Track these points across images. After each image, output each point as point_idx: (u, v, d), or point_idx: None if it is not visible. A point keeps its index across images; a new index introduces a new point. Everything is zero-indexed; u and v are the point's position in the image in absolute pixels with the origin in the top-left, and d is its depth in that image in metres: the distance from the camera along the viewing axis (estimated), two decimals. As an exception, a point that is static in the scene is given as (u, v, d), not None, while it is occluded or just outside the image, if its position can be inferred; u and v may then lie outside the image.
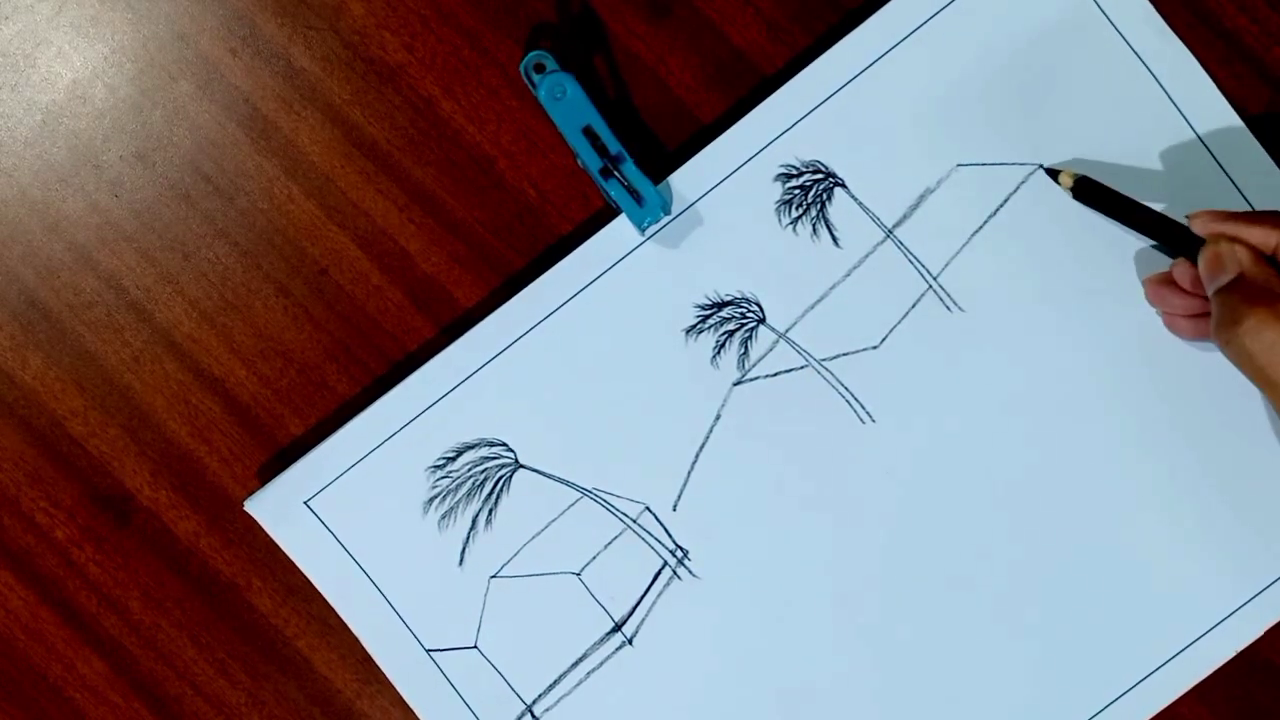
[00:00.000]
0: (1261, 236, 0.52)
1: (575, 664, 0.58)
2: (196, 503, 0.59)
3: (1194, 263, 0.54)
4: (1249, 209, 0.57)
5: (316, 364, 0.59)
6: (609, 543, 0.58)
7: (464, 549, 0.58)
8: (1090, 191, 0.56)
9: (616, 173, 0.55)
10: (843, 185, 0.58)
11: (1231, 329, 0.50)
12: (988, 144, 0.57)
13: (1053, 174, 0.57)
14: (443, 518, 0.58)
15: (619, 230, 0.57)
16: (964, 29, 0.57)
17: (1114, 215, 0.56)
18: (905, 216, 0.58)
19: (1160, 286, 0.56)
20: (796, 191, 0.58)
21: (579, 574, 0.58)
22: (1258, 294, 0.50)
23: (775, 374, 0.58)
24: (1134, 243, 0.57)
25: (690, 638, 0.58)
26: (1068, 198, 0.57)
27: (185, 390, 0.59)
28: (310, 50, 0.58)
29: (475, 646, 0.58)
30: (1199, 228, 0.53)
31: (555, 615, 0.58)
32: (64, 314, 0.58)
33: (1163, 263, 0.57)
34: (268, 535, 0.57)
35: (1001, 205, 0.57)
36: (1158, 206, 0.57)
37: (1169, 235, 0.55)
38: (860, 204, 0.58)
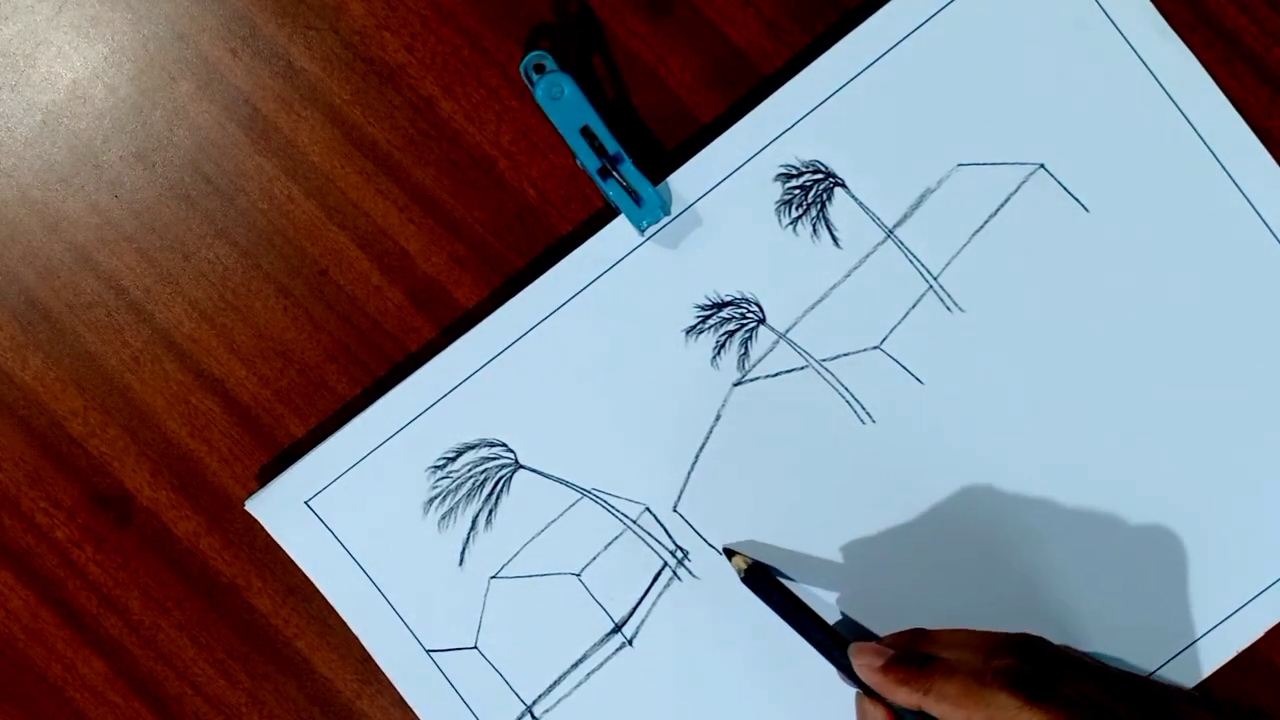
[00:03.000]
0: (906, 696, 0.52)
1: (575, 664, 0.58)
2: (197, 503, 0.59)
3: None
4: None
5: (316, 364, 0.59)
6: (609, 543, 0.58)
7: (464, 549, 0.58)
8: (760, 581, 0.56)
9: (615, 173, 0.55)
10: (843, 185, 0.58)
11: None
12: (988, 144, 0.57)
13: (729, 554, 0.57)
14: (443, 518, 0.58)
15: (619, 230, 0.57)
16: (964, 28, 0.57)
17: (781, 613, 0.56)
18: (906, 216, 0.58)
19: (862, 700, 0.56)
20: (796, 191, 0.58)
21: (579, 574, 0.58)
22: None
23: (775, 374, 0.58)
24: (1135, 243, 0.57)
25: (690, 638, 0.58)
26: (1068, 198, 0.57)
27: (185, 390, 0.59)
28: (310, 50, 0.58)
29: (475, 647, 0.58)
30: (859, 670, 0.54)
31: (555, 616, 0.58)
32: (64, 314, 0.58)
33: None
34: (268, 535, 0.57)
35: (1002, 205, 0.57)
36: (1158, 205, 0.57)
37: (834, 655, 0.55)
38: (860, 204, 0.58)
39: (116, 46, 0.58)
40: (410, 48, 0.58)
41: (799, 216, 0.58)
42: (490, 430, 0.58)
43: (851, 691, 0.56)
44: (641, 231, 0.56)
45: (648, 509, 0.58)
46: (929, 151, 0.58)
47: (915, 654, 0.53)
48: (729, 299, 0.58)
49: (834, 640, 0.55)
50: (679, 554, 0.58)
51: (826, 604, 0.57)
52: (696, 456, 0.58)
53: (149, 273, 0.58)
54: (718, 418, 0.58)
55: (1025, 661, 0.50)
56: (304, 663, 0.59)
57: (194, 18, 0.58)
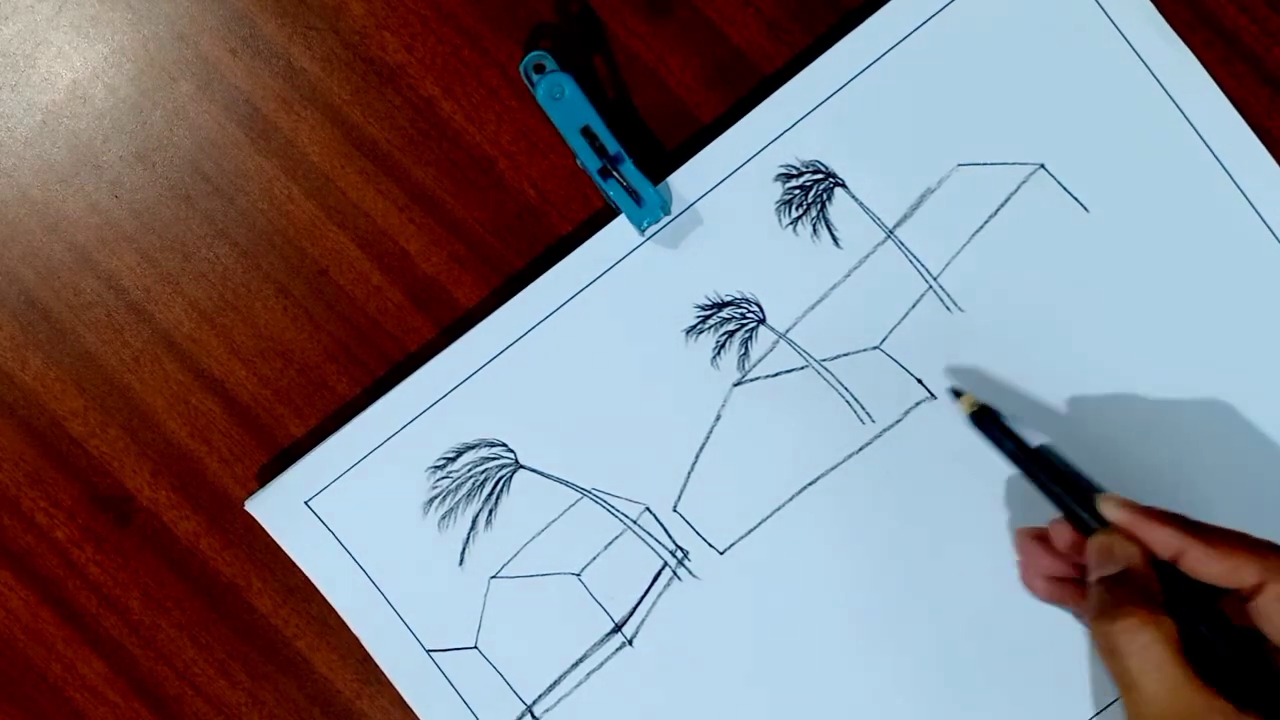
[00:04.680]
0: (1164, 540, 0.49)
1: (575, 664, 0.58)
2: (196, 503, 0.59)
3: (1079, 531, 0.52)
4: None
5: (316, 364, 0.59)
6: (609, 543, 0.58)
7: (464, 549, 0.58)
8: (989, 423, 0.53)
9: (615, 173, 0.55)
10: (843, 185, 0.58)
11: (1108, 622, 0.48)
12: (988, 144, 0.57)
13: (956, 393, 0.54)
14: (443, 518, 0.58)
15: (619, 230, 0.57)
16: (964, 28, 0.57)
17: (1009, 455, 0.53)
18: (906, 216, 0.58)
19: (1031, 541, 0.54)
20: (796, 191, 0.58)
21: (579, 574, 0.58)
22: (1140, 596, 0.48)
23: (775, 374, 0.58)
24: (1135, 244, 0.57)
25: (690, 638, 0.58)
26: (1068, 198, 0.57)
27: (185, 390, 0.59)
28: (310, 50, 0.58)
29: (475, 647, 0.58)
30: (1107, 512, 0.51)
31: (555, 616, 0.58)
32: (64, 314, 0.58)
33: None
34: (268, 535, 0.57)
35: (1002, 205, 0.57)
36: (1158, 205, 0.57)
37: (1063, 498, 0.52)
38: (860, 204, 0.58)
39: (116, 46, 0.58)
40: (410, 48, 0.58)
41: (799, 217, 0.58)
42: (490, 430, 0.58)
43: (848, 701, 0.55)
44: (642, 231, 0.56)
45: (648, 509, 0.58)
46: (929, 152, 0.58)
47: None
48: (729, 299, 0.58)
49: (1075, 485, 0.52)
50: (679, 554, 0.58)
51: (827, 604, 0.57)
52: (696, 456, 0.58)
53: (149, 273, 0.58)
54: (718, 418, 0.58)
55: None
56: (304, 663, 0.59)
57: (194, 18, 0.58)
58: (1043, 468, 0.52)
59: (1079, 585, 0.52)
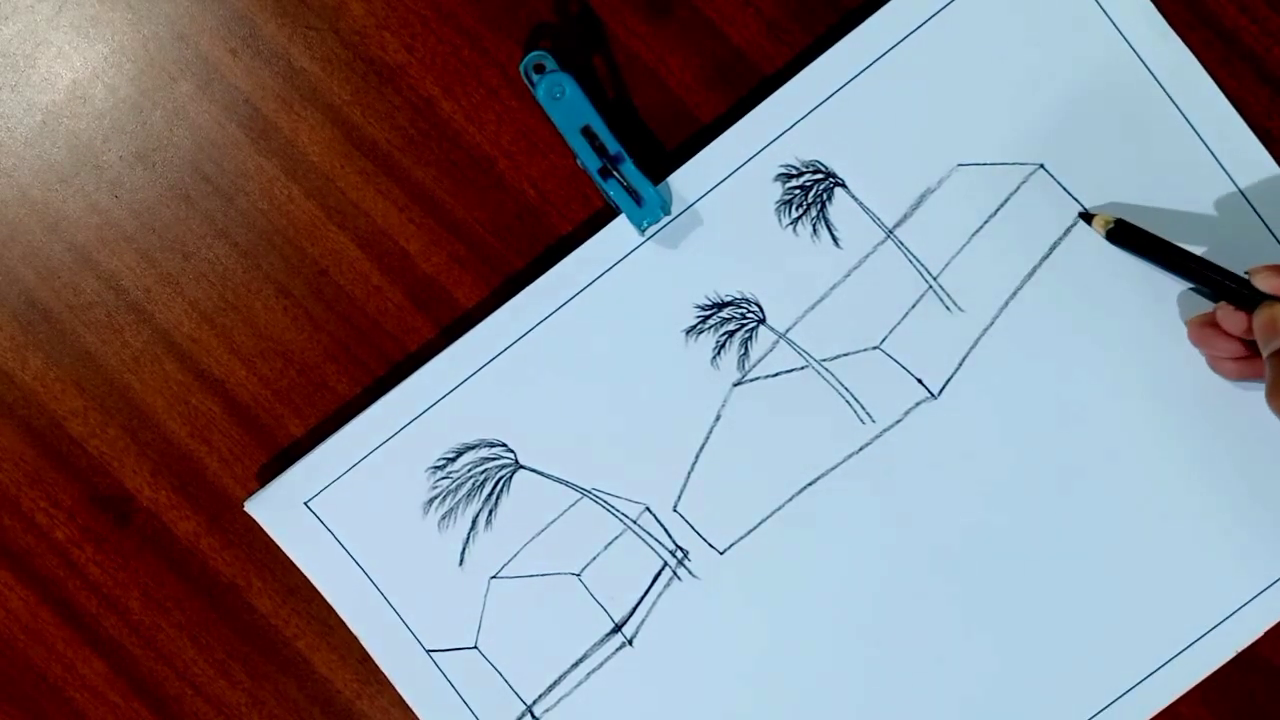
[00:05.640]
0: None
1: (575, 664, 0.58)
2: (196, 503, 0.59)
3: (1243, 310, 0.53)
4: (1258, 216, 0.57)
5: (316, 364, 0.59)
6: (609, 543, 0.58)
7: (464, 549, 0.58)
8: (1128, 236, 0.55)
9: (616, 173, 0.55)
10: (843, 185, 0.58)
11: None
12: (988, 144, 0.57)
13: (1087, 218, 0.56)
14: (443, 518, 0.58)
15: (619, 230, 0.57)
16: (964, 29, 0.57)
17: (1155, 260, 0.55)
18: (906, 216, 0.58)
19: (1205, 328, 0.55)
20: (796, 191, 0.58)
21: (579, 574, 0.58)
22: None
23: (775, 374, 0.58)
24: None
25: (690, 638, 0.58)
26: (1068, 198, 0.57)
27: (185, 390, 0.59)
28: (310, 50, 0.58)
29: (475, 647, 0.58)
30: (1261, 283, 0.52)
31: (555, 616, 0.58)
32: (64, 314, 0.58)
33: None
34: (268, 535, 0.57)
35: (1002, 205, 0.57)
36: (1158, 205, 0.57)
37: (1218, 283, 0.54)
38: (860, 204, 0.58)
39: (116, 46, 0.58)
40: (410, 48, 0.58)
41: (799, 216, 0.58)
42: (490, 430, 0.58)
43: (848, 701, 0.55)
44: (642, 231, 0.56)
45: (648, 509, 0.58)
46: (929, 152, 0.58)
47: None
48: (729, 299, 0.58)
49: (1221, 271, 0.54)
50: (679, 554, 0.58)
51: (827, 604, 0.57)
52: (696, 456, 0.58)
53: (149, 273, 0.58)
54: (718, 418, 0.58)
55: None
56: (304, 663, 0.59)
57: (194, 18, 0.58)
58: (1193, 261, 0.54)
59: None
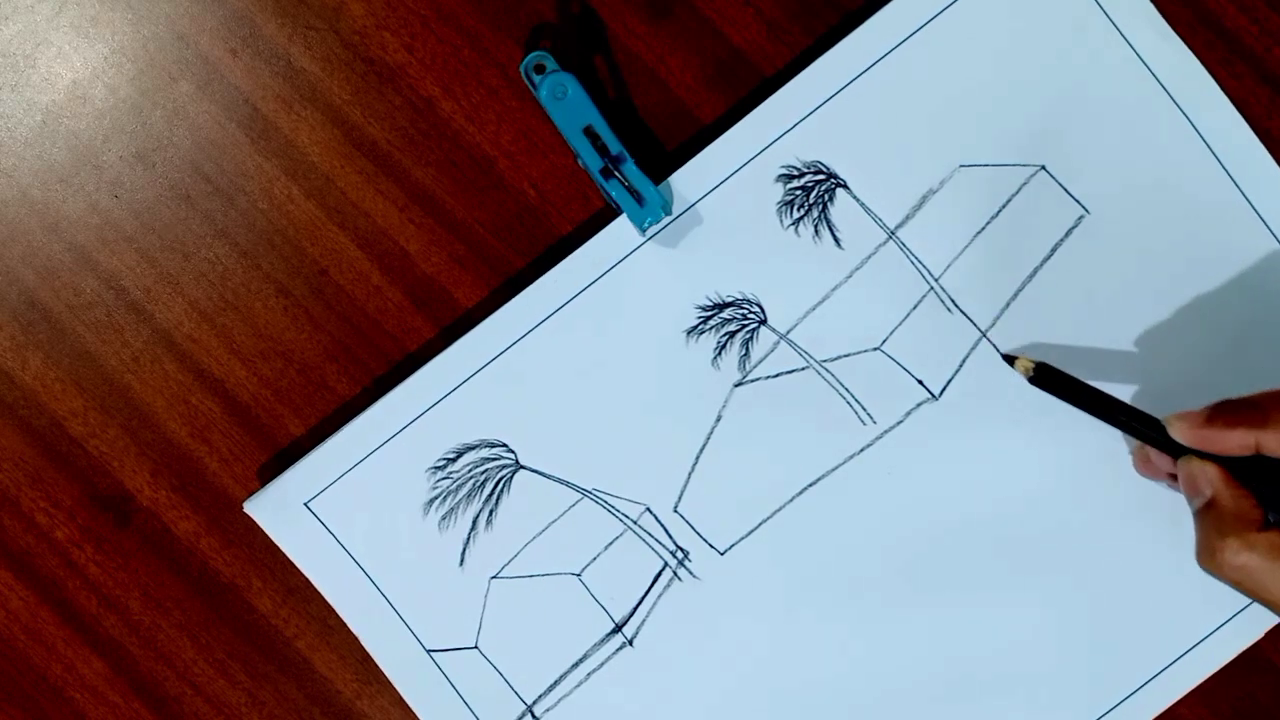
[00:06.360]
0: (1237, 442, 0.49)
1: (575, 665, 0.58)
2: (196, 503, 0.59)
3: (1170, 454, 0.52)
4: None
5: (316, 364, 0.59)
6: (609, 543, 0.58)
7: (464, 550, 0.58)
8: (1049, 379, 0.53)
9: (617, 173, 0.55)
10: (844, 186, 0.58)
11: (1210, 558, 0.49)
12: (990, 145, 0.57)
13: (1009, 360, 0.54)
14: (443, 518, 0.58)
15: (619, 231, 0.57)
16: (966, 30, 0.57)
17: (1075, 403, 0.53)
18: (907, 217, 0.58)
19: (1146, 465, 0.55)
20: (798, 192, 0.57)
21: (579, 575, 0.58)
22: (1229, 521, 0.49)
23: (776, 375, 0.58)
24: (1135, 244, 0.57)
25: (691, 639, 0.58)
26: (1070, 200, 0.57)
27: (185, 390, 0.59)
28: (310, 50, 0.58)
29: (475, 647, 0.58)
30: (1176, 434, 0.51)
31: (555, 616, 0.58)
32: (64, 314, 0.58)
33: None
34: (268, 536, 0.57)
35: (1003, 206, 0.57)
36: (1158, 206, 0.57)
37: (1140, 431, 0.53)
38: (862, 205, 0.58)
39: (116, 46, 0.58)
40: (410, 48, 0.58)
41: (800, 217, 0.58)
42: (490, 431, 0.58)
43: (848, 701, 0.56)
44: (643, 231, 0.56)
45: (648, 509, 0.58)
46: (930, 153, 0.58)
47: (1238, 399, 0.50)
48: (730, 299, 0.58)
49: (1142, 418, 0.52)
50: (679, 554, 0.58)
51: (827, 604, 0.58)
52: (697, 457, 0.58)
53: (149, 273, 0.58)
54: (718, 418, 0.58)
55: None
56: (304, 663, 0.59)
57: (194, 18, 0.58)
58: (1115, 408, 0.53)
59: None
